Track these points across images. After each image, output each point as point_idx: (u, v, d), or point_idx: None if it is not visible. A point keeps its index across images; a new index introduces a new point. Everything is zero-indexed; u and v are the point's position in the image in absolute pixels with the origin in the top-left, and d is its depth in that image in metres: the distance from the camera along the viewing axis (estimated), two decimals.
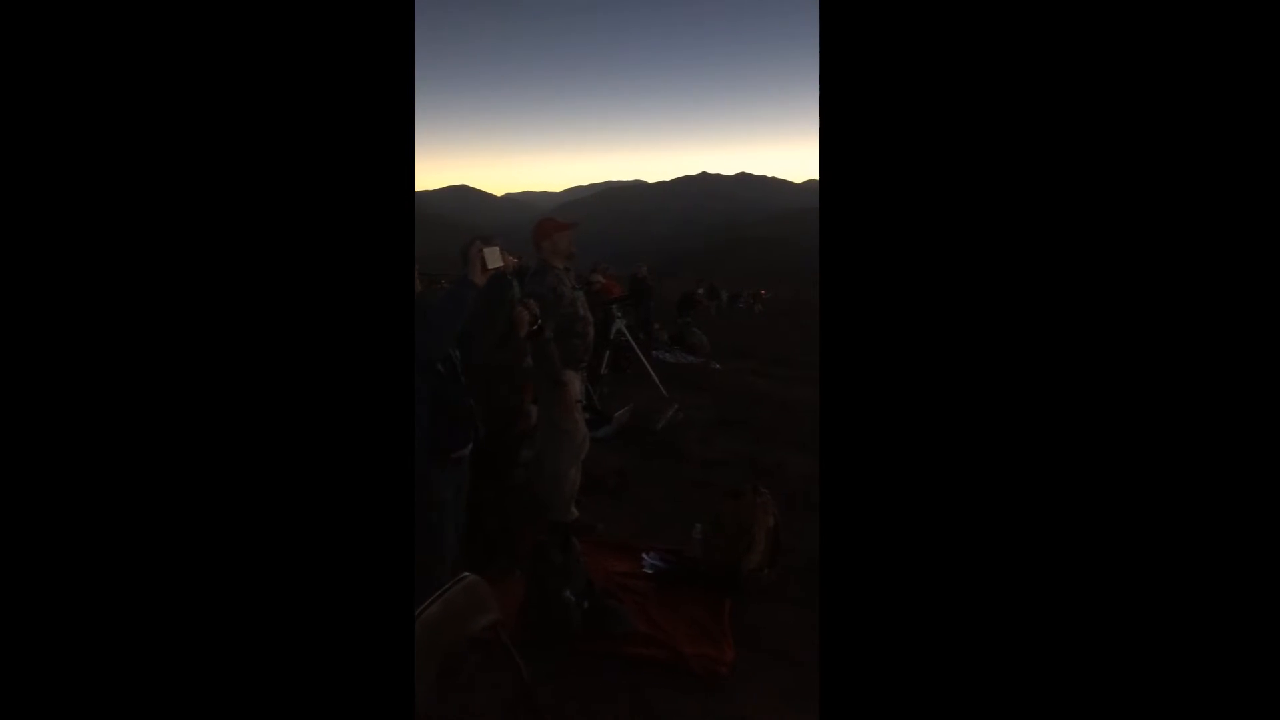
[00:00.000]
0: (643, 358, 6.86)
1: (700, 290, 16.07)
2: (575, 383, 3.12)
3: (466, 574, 1.77)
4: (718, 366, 8.55)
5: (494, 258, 1.93)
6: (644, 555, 2.90)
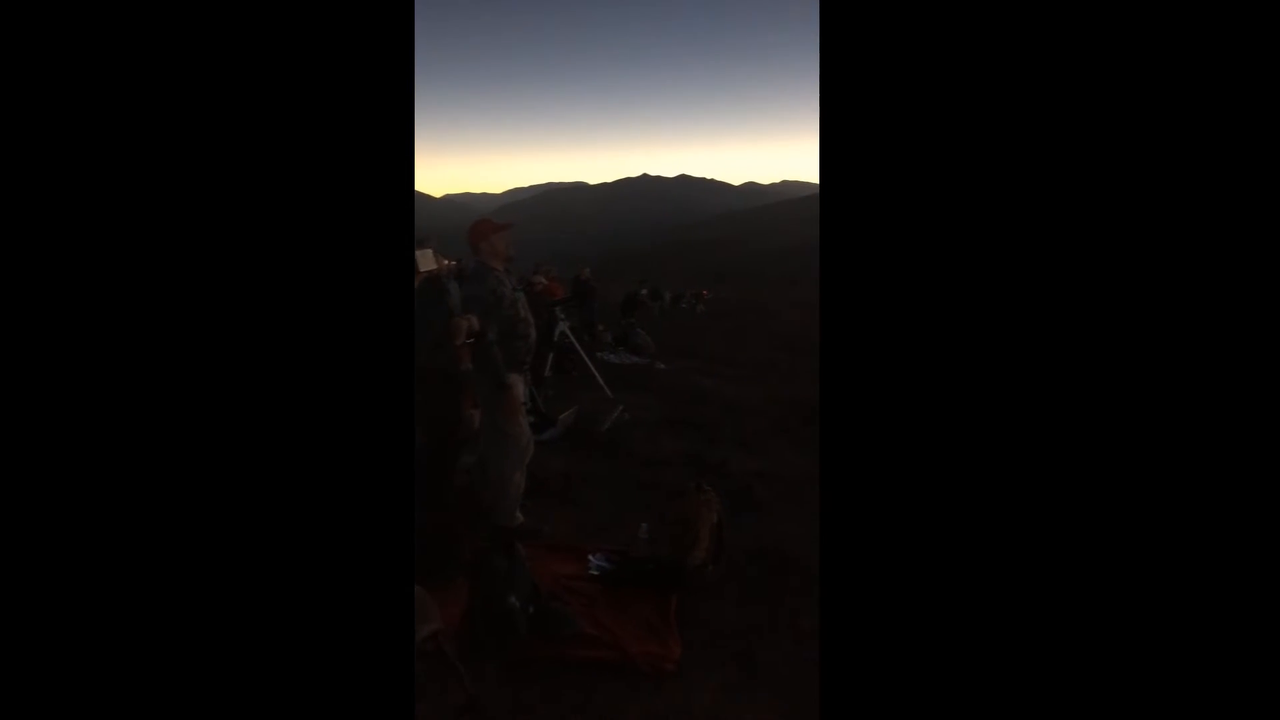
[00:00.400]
0: (587, 359, 6.84)
1: (643, 291, 16.12)
2: (519, 385, 3.09)
3: None
4: (662, 367, 8.60)
5: (425, 261, 1.90)
6: (590, 557, 2.89)
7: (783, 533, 3.28)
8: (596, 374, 6.50)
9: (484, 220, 3.13)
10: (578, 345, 7.04)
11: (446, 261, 2.06)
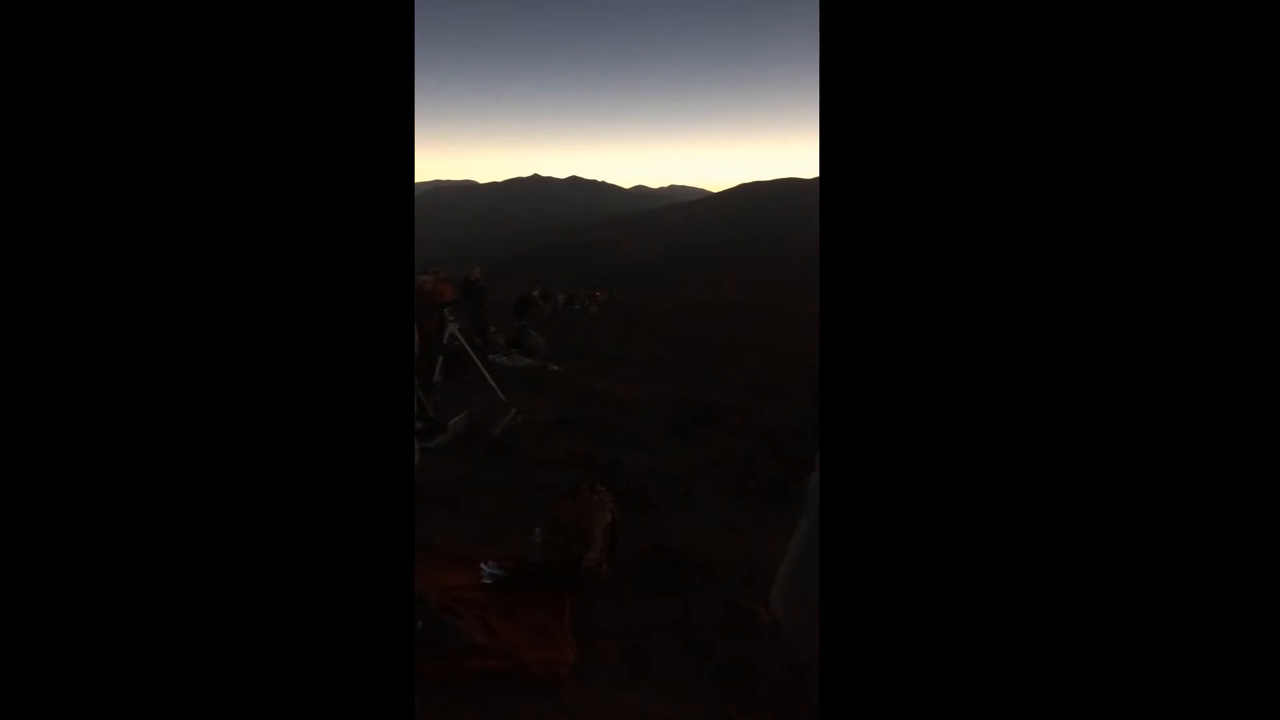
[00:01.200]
0: (478, 362, 6.66)
1: (536, 292, 15.92)
2: None
3: None
4: (556, 368, 8.54)
5: None
6: (482, 565, 2.82)
7: (675, 530, 3.35)
8: (488, 377, 6.36)
9: None
10: (468, 348, 6.85)
11: None
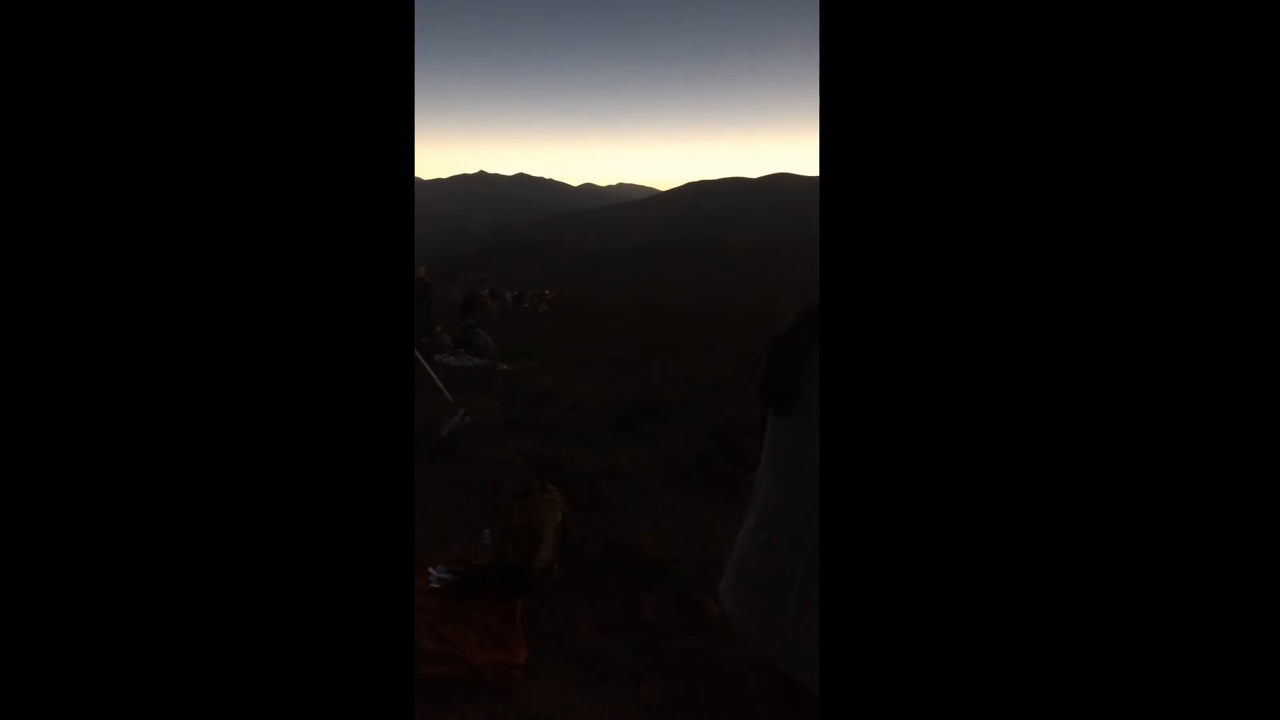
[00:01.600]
0: (425, 363, 6.54)
1: (484, 291, 15.73)
2: None
3: None
4: (505, 367, 8.44)
5: None
6: (431, 570, 2.77)
7: (627, 527, 3.36)
8: (435, 378, 6.25)
9: None
10: (415, 348, 6.72)
11: None
